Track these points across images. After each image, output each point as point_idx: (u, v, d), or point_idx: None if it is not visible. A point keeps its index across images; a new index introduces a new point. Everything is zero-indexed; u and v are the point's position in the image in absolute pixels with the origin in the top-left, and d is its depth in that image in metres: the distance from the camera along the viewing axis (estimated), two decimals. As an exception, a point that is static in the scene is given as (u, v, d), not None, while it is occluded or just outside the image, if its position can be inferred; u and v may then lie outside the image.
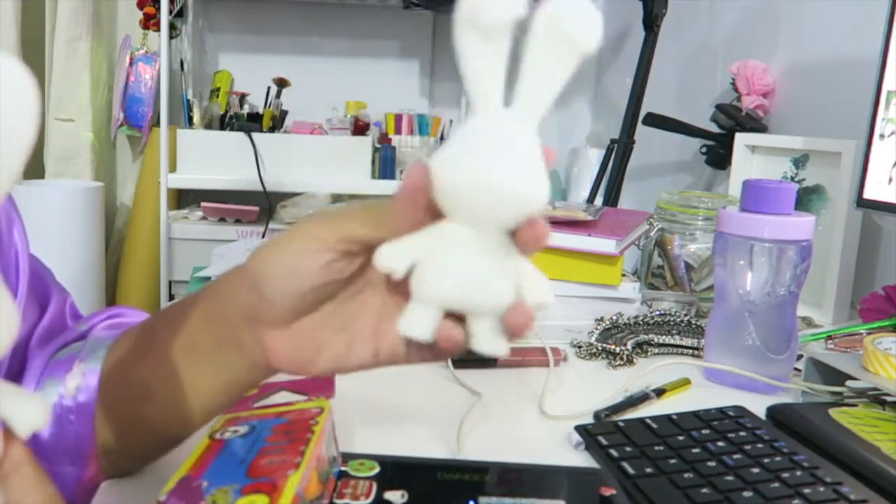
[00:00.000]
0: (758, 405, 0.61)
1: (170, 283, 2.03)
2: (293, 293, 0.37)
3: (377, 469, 0.43)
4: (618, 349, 0.75)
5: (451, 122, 2.30)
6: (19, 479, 0.27)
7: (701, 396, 0.66)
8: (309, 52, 2.35)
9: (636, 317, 0.84)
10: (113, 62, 2.26)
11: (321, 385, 0.62)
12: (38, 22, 2.13)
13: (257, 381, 0.42)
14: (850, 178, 0.93)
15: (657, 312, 0.85)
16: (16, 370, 0.45)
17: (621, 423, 0.56)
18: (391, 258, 0.34)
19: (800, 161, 1.06)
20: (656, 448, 0.52)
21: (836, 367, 0.64)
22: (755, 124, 1.28)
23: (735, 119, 1.30)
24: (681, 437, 0.54)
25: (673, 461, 0.51)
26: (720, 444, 0.53)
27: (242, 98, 2.20)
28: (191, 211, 2.16)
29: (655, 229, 1.03)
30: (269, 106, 2.16)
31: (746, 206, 0.70)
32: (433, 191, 0.33)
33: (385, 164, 2.15)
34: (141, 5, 2.17)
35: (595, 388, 0.67)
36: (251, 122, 2.11)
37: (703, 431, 0.55)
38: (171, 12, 1.97)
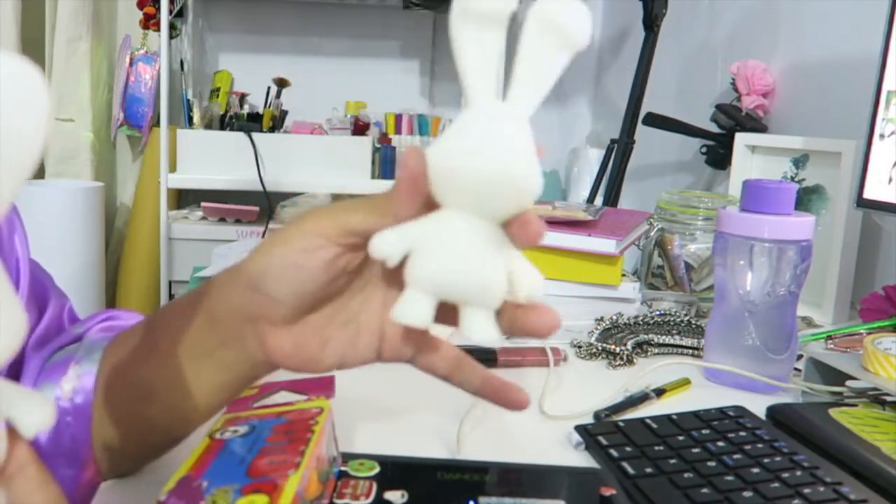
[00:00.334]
0: (758, 405, 0.61)
1: (170, 283, 2.03)
2: (299, 292, 0.37)
3: (377, 469, 0.43)
4: (618, 349, 0.75)
5: (450, 121, 2.30)
6: (23, 479, 0.27)
7: (701, 396, 0.66)
8: (309, 52, 2.35)
9: (636, 317, 0.84)
10: (113, 62, 2.26)
11: (321, 385, 0.62)
12: (38, 22, 2.13)
13: (259, 378, 0.42)
14: (850, 178, 0.93)
15: (657, 312, 0.85)
16: (13, 373, 0.45)
17: (621, 423, 0.56)
18: (385, 245, 0.35)
19: (800, 161, 1.06)
20: (656, 448, 0.52)
21: (836, 367, 0.64)
22: (755, 124, 1.28)
23: (735, 119, 1.31)
24: (681, 437, 0.54)
25: (673, 461, 0.51)
26: (720, 444, 0.53)
27: (242, 98, 2.20)
28: (191, 211, 2.16)
29: (655, 229, 1.03)
30: (269, 106, 2.16)
31: (746, 206, 0.70)
32: (430, 177, 0.34)
33: (385, 164, 2.16)
34: (141, 5, 2.17)
35: (595, 388, 0.67)
36: (251, 122, 2.11)
37: (703, 431, 0.55)
38: (171, 12, 1.98)
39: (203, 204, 2.07)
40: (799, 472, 0.49)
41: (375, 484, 0.41)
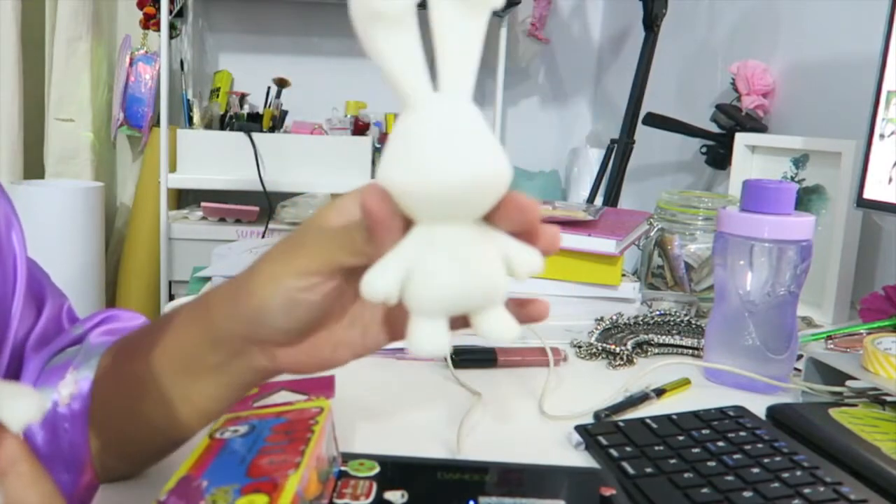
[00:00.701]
0: (758, 405, 0.61)
1: (170, 283, 2.03)
2: (300, 322, 0.37)
3: (377, 469, 0.43)
4: (618, 349, 0.75)
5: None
6: (16, 476, 0.27)
7: (701, 396, 0.66)
8: (309, 52, 2.35)
9: (636, 317, 0.84)
10: (113, 62, 2.26)
11: (321, 385, 0.62)
12: (38, 22, 2.13)
13: (262, 382, 0.42)
14: (850, 178, 0.93)
15: (657, 312, 0.85)
16: (12, 374, 0.45)
17: (621, 423, 0.56)
18: (379, 288, 0.32)
19: (800, 161, 1.06)
20: (656, 448, 0.52)
21: (836, 367, 0.64)
22: (755, 124, 1.28)
23: (735, 119, 1.31)
24: (681, 437, 0.54)
25: (673, 461, 0.51)
26: (720, 444, 0.53)
27: (242, 98, 2.20)
28: (191, 211, 2.16)
29: (655, 229, 1.03)
30: (269, 106, 2.16)
31: (746, 206, 0.70)
32: (397, 199, 0.31)
33: (385, 164, 2.15)
34: (141, 5, 2.17)
35: (595, 388, 0.67)
36: (251, 122, 2.11)
37: (703, 431, 0.55)
38: (171, 12, 1.98)
39: (203, 204, 2.07)
40: (799, 472, 0.49)
41: (375, 484, 0.41)
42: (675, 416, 0.58)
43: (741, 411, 0.59)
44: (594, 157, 2.08)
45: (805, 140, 1.05)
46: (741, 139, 1.15)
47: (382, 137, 2.23)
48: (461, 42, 0.31)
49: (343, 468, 0.43)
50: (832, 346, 0.71)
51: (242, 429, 0.41)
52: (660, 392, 0.65)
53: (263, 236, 2.02)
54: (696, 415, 0.58)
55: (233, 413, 0.43)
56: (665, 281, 1.02)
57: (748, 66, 1.30)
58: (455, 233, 0.32)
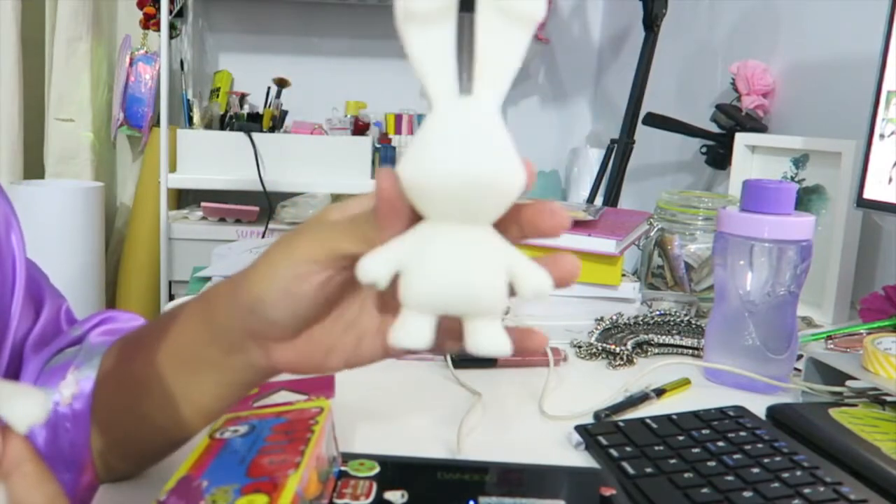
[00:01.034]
0: (758, 405, 0.61)
1: (170, 283, 2.03)
2: (296, 315, 0.37)
3: (377, 469, 0.43)
4: (618, 349, 0.75)
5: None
6: (20, 477, 0.27)
7: (701, 396, 0.66)
8: (309, 52, 2.35)
9: (636, 317, 0.84)
10: (113, 62, 2.26)
11: (321, 385, 0.62)
12: (38, 22, 2.13)
13: (261, 383, 0.42)
14: (850, 178, 0.93)
15: (657, 312, 0.85)
16: (12, 375, 0.45)
17: (621, 423, 0.56)
18: (372, 270, 0.32)
19: (800, 161, 1.06)
20: (656, 448, 0.52)
21: (836, 367, 0.64)
22: (755, 124, 1.28)
23: (735, 119, 1.31)
24: (681, 437, 0.54)
25: (673, 461, 0.51)
26: (720, 444, 0.53)
27: (242, 98, 2.20)
28: (191, 211, 2.16)
29: (655, 229, 1.03)
30: (269, 106, 2.16)
31: (746, 206, 0.70)
32: (407, 193, 0.32)
33: (385, 164, 2.16)
34: (141, 5, 2.17)
35: (595, 388, 0.67)
36: (251, 122, 2.11)
37: (703, 431, 0.55)
38: (171, 12, 1.98)
39: (203, 204, 2.07)
40: (799, 472, 0.49)
41: (375, 484, 0.41)
42: (675, 416, 0.58)
43: (741, 411, 0.59)
44: (594, 156, 2.08)
45: (805, 140, 1.05)
46: (741, 139, 1.15)
47: (382, 137, 2.23)
48: (500, 51, 0.31)
49: (343, 468, 0.43)
50: (832, 346, 0.71)
51: (242, 429, 0.41)
52: (660, 392, 0.65)
53: (263, 236, 2.02)
54: (696, 415, 0.58)
55: (233, 413, 0.43)
56: (665, 281, 1.02)
57: (748, 66, 1.30)
58: (459, 234, 0.32)
